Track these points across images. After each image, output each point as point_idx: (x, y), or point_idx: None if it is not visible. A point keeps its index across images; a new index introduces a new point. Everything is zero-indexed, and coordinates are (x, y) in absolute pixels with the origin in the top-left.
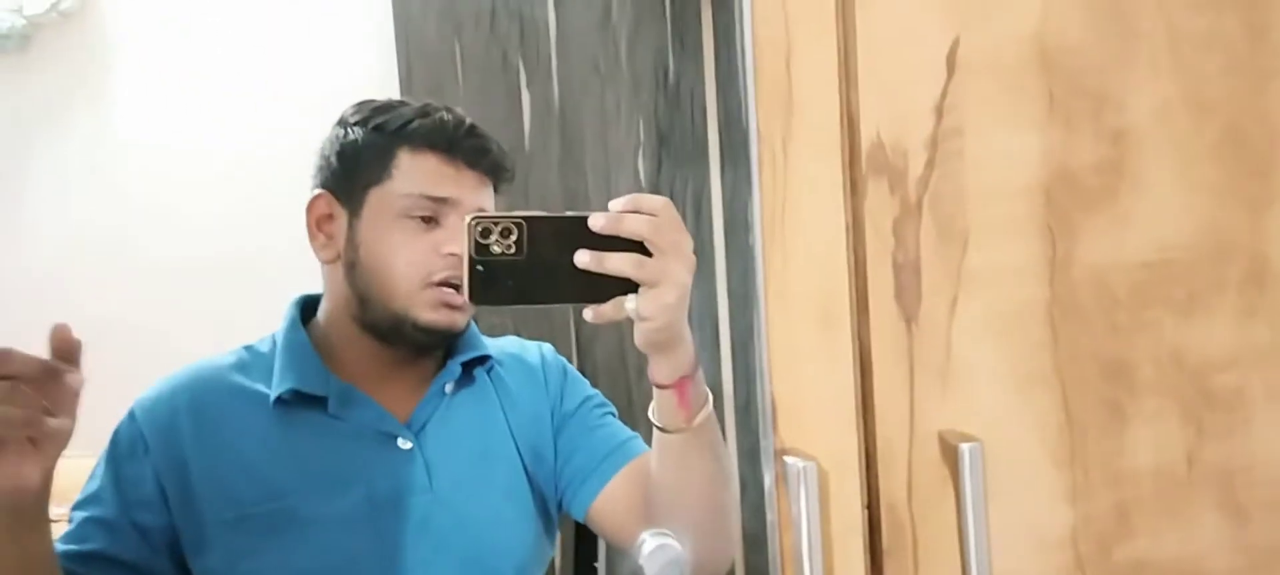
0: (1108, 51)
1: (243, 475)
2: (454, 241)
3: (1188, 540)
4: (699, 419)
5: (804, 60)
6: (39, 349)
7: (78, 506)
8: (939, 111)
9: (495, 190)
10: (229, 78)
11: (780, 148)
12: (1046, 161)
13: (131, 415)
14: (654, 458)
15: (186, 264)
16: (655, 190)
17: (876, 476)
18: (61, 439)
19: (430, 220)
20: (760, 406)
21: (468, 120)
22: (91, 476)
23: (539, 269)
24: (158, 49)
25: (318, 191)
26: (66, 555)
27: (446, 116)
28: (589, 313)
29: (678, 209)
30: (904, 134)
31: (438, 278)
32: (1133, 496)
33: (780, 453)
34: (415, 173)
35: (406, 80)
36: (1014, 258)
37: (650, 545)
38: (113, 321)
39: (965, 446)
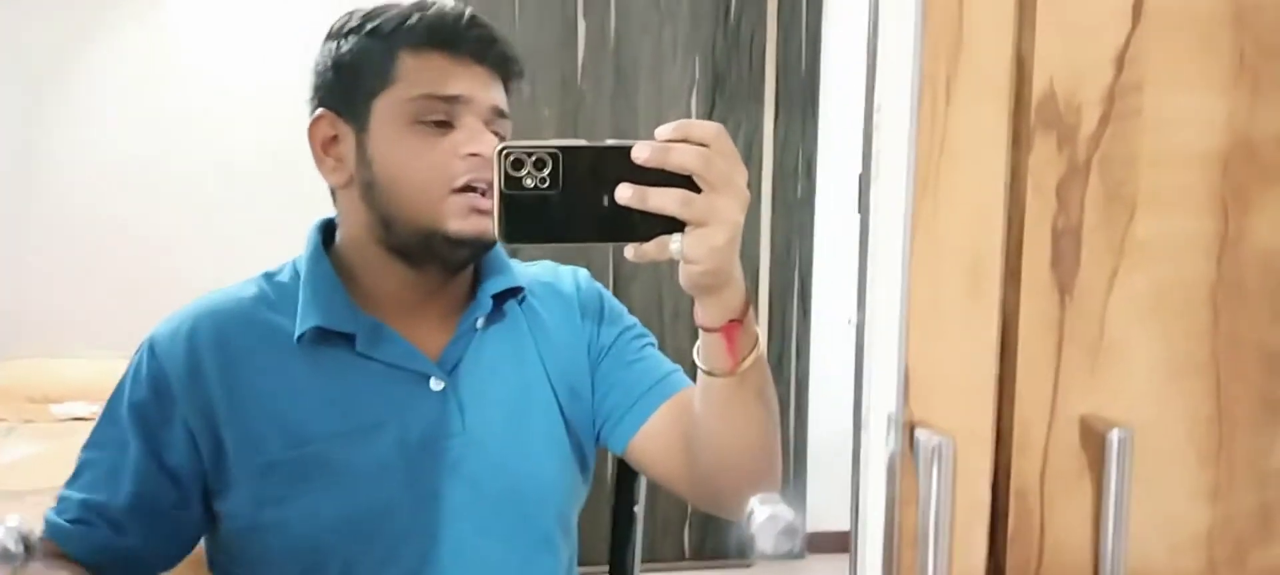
0: None
1: (270, 419)
2: (473, 140)
3: None
4: (747, 363)
5: None
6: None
7: (93, 446)
8: (1120, 63)
9: (506, 89)
10: None
11: (943, 88)
12: (1229, 128)
13: (151, 350)
14: (697, 399)
15: (221, 170)
16: None
17: (1008, 457)
18: None
19: (443, 123)
20: (897, 371)
21: (467, 10)
22: (104, 420)
23: (576, 204)
24: None
25: (319, 112)
26: (87, 505)
27: (445, 9)
28: (630, 251)
29: None
30: (1079, 85)
31: (460, 182)
32: (1277, 499)
33: (910, 425)
34: (421, 73)
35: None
36: (1182, 231)
37: (761, 514)
38: (146, 225)
39: (1115, 433)
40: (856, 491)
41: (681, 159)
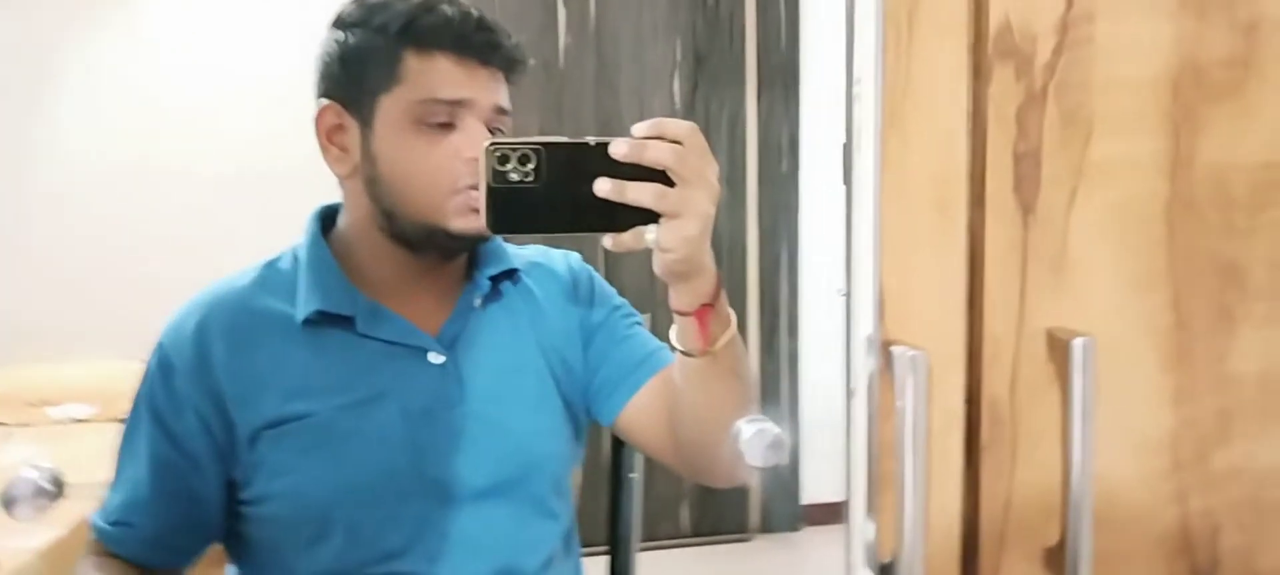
0: None
1: (276, 396)
2: (473, 144)
3: None
4: (720, 343)
5: None
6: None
7: (124, 450)
8: None
9: (508, 83)
10: None
11: (906, 26)
12: (1176, 51)
13: (161, 347)
14: (676, 377)
15: (213, 170)
16: (690, 112)
17: (979, 370)
18: None
19: (447, 125)
20: (872, 294)
21: (474, 12)
22: (130, 422)
23: (558, 197)
24: None
25: (324, 102)
26: (125, 505)
27: (450, 11)
28: (608, 241)
29: (712, 132)
30: (1033, 17)
31: (463, 184)
32: (1236, 402)
33: (886, 343)
34: (426, 76)
35: None
36: (1136, 151)
37: (748, 431)
38: (139, 227)
39: (1078, 342)
40: (850, 456)
41: (656, 155)
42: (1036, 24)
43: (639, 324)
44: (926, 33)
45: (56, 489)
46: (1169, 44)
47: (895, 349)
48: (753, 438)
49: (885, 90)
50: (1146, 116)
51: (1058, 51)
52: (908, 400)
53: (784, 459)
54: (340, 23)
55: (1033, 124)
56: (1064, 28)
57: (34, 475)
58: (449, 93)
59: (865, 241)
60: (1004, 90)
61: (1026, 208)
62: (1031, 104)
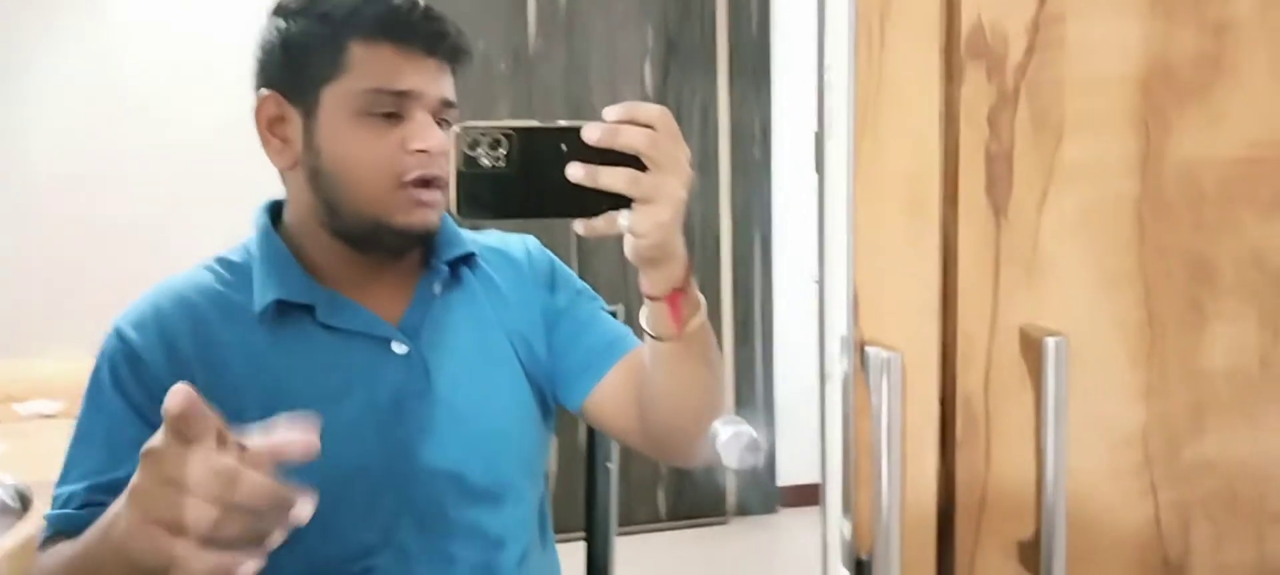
0: None
1: (244, 391)
2: (419, 136)
3: (1256, 441)
4: (691, 327)
5: None
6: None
7: (82, 438)
8: None
9: (453, 75)
10: None
11: (877, 28)
12: (1146, 51)
13: (120, 336)
14: (647, 362)
15: (180, 164)
16: (662, 100)
17: (953, 369)
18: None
19: (392, 116)
20: (846, 295)
21: (420, 1)
22: (87, 412)
23: (529, 182)
24: None
25: (264, 92)
26: (95, 487)
27: (395, 0)
28: (580, 226)
29: (684, 120)
30: (1005, 18)
31: (409, 177)
32: (1206, 396)
33: (861, 343)
34: (371, 66)
35: None
36: (1107, 151)
37: (725, 434)
38: (106, 221)
39: (1051, 341)
40: (824, 440)
41: (629, 139)
42: (1008, 25)
43: (602, 308)
44: (898, 34)
45: (21, 505)
46: (1138, 44)
47: (870, 350)
48: (729, 440)
49: (857, 92)
50: (1117, 116)
51: (1029, 52)
52: (882, 400)
53: (760, 461)
54: (281, 10)
55: (1004, 125)
56: (1035, 28)
57: None
58: (395, 83)
59: (838, 233)
60: (976, 91)
61: (998, 208)
62: (1003, 105)
